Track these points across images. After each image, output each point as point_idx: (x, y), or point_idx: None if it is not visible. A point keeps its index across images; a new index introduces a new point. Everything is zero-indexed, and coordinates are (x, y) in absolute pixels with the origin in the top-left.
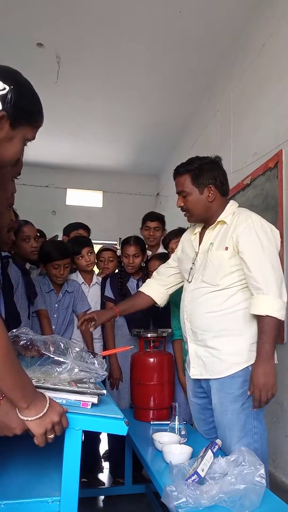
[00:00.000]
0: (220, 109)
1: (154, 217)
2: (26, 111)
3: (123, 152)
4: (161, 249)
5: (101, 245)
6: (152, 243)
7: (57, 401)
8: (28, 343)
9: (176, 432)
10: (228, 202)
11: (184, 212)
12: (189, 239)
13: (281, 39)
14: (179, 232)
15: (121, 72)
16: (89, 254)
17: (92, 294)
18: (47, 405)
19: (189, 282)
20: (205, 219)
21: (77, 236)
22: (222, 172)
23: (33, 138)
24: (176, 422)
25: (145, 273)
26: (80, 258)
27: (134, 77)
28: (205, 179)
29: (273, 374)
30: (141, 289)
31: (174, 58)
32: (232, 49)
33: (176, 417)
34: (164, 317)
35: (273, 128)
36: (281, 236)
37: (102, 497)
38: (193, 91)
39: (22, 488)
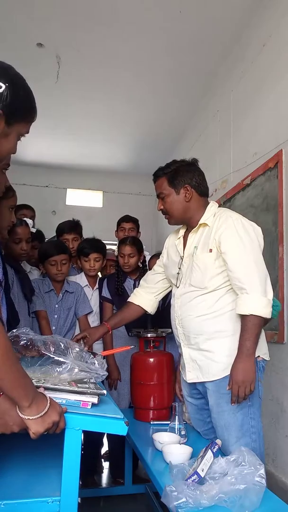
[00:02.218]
0: (220, 109)
1: (129, 219)
2: (21, 108)
3: (123, 152)
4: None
5: None
6: None
7: (57, 401)
8: (28, 343)
9: (176, 432)
10: (208, 203)
11: (164, 215)
12: (173, 244)
13: (281, 39)
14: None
15: (121, 72)
16: (95, 260)
17: (96, 298)
18: (48, 404)
19: (177, 287)
20: (185, 220)
21: (92, 239)
22: (198, 173)
23: (27, 133)
24: (176, 422)
25: (142, 273)
26: (86, 261)
27: (134, 77)
28: (181, 179)
29: (253, 371)
30: (130, 299)
31: (174, 58)
32: (232, 49)
33: (176, 417)
34: (162, 316)
35: (273, 128)
36: (281, 236)
37: (102, 497)
38: (193, 91)
39: (22, 488)
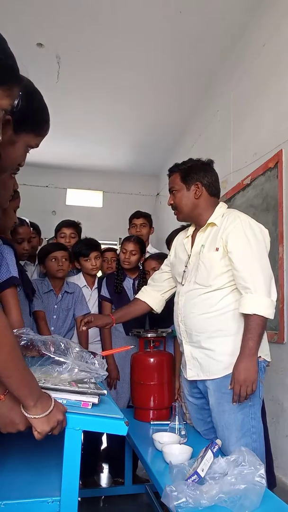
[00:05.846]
0: (220, 109)
1: (139, 215)
2: (31, 119)
3: (123, 152)
4: (150, 247)
5: (103, 246)
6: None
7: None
8: (28, 343)
9: (176, 432)
10: (218, 204)
11: (174, 211)
12: (181, 242)
13: (281, 39)
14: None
15: (121, 72)
16: (96, 258)
17: (94, 298)
18: (53, 403)
19: (182, 284)
20: (193, 217)
21: (88, 238)
22: (212, 173)
23: (37, 146)
24: (176, 422)
25: (141, 273)
26: (86, 261)
27: (134, 77)
28: (193, 176)
29: (255, 371)
30: (137, 296)
31: (174, 58)
32: (232, 49)
33: (176, 417)
34: (160, 316)
35: (273, 128)
36: (281, 236)
37: (102, 497)
38: (193, 91)
39: (22, 488)
